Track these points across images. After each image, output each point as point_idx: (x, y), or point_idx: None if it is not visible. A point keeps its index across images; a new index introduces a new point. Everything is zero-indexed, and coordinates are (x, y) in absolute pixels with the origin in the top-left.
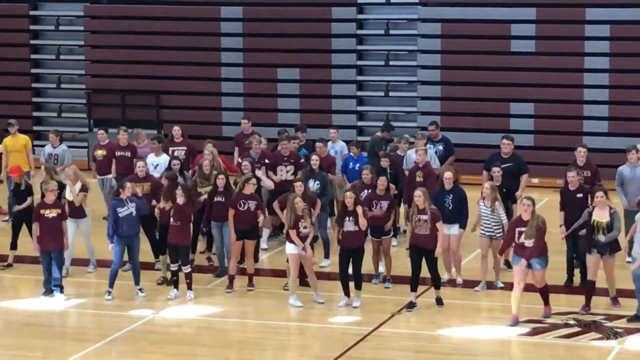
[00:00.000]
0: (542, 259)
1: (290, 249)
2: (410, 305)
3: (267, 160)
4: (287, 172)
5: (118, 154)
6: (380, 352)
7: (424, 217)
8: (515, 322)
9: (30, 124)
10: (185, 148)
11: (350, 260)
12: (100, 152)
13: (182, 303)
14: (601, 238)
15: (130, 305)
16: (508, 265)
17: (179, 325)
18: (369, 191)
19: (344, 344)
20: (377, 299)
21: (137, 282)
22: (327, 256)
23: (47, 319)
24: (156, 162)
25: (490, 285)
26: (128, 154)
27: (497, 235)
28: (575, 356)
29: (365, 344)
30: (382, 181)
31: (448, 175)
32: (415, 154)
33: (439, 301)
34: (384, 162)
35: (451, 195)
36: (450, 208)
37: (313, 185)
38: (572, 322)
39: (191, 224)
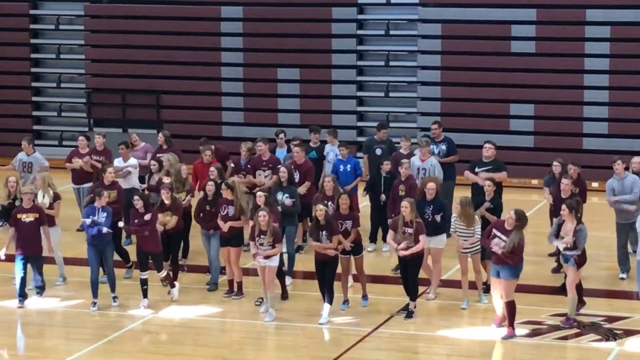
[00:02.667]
0: (510, 268)
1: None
2: (409, 315)
3: (248, 166)
4: (266, 176)
5: (94, 158)
6: (379, 353)
7: (409, 230)
8: (501, 324)
9: (30, 123)
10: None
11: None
12: (76, 164)
13: (180, 304)
14: (560, 245)
15: (130, 305)
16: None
17: (178, 326)
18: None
19: (342, 344)
20: (376, 299)
21: (112, 290)
22: (289, 273)
23: (45, 319)
24: (124, 167)
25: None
26: (102, 158)
27: (475, 250)
28: (574, 358)
29: (364, 345)
30: (343, 199)
31: (431, 186)
32: (402, 168)
33: (410, 314)
34: (386, 167)
35: (432, 206)
36: (430, 219)
37: (282, 197)
38: None
39: (159, 232)
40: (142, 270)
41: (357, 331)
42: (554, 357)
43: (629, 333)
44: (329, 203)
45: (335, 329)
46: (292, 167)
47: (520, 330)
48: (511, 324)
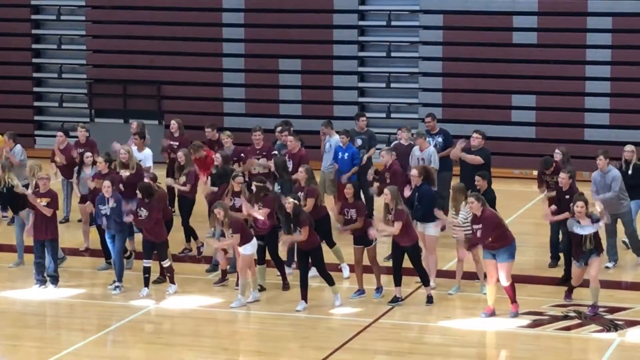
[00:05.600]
0: (506, 250)
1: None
2: (394, 300)
3: (242, 155)
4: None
5: (79, 151)
6: (381, 343)
7: (390, 216)
8: (490, 314)
9: (31, 113)
10: (177, 143)
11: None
12: (59, 160)
13: (182, 294)
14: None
15: (131, 296)
16: None
17: (179, 316)
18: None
19: (344, 335)
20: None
21: (118, 279)
22: (289, 264)
23: (46, 309)
24: (139, 158)
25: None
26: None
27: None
28: (575, 348)
29: (365, 335)
30: (348, 188)
31: (413, 172)
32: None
33: (429, 299)
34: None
35: (416, 193)
36: (418, 206)
37: (274, 188)
38: (572, 314)
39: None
40: (146, 258)
41: (359, 321)
42: (555, 347)
43: (630, 324)
44: (300, 193)
45: (336, 320)
46: (287, 156)
47: (522, 321)
48: (515, 300)
